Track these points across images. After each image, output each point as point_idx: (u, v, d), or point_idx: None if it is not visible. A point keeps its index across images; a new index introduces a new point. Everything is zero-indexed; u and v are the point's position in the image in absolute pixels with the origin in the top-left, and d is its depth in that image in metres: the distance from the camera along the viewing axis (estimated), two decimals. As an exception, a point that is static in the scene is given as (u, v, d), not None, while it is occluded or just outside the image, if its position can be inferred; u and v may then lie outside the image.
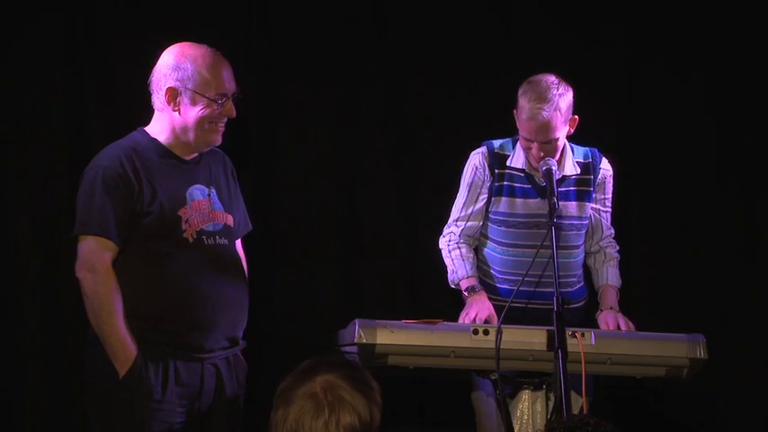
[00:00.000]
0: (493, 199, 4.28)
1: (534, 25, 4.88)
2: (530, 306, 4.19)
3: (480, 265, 4.35)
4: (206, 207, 3.84)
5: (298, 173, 4.80)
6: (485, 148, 4.31)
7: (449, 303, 4.42)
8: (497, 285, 4.30)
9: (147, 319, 3.71)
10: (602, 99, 4.88)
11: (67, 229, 3.92)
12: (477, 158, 4.31)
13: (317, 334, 4.61)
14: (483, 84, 4.83)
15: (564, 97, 4.13)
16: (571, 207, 4.27)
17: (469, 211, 4.32)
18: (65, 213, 4.27)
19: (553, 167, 4.09)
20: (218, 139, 3.87)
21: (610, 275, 4.37)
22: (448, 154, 4.56)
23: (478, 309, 4.15)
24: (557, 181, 4.08)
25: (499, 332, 3.90)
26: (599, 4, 4.93)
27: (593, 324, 4.25)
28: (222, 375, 3.82)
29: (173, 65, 3.79)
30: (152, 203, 3.73)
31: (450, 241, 4.35)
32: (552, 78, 4.15)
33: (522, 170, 4.26)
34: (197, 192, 3.84)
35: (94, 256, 3.69)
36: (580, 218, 4.29)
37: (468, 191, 4.32)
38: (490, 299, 4.22)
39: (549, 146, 4.13)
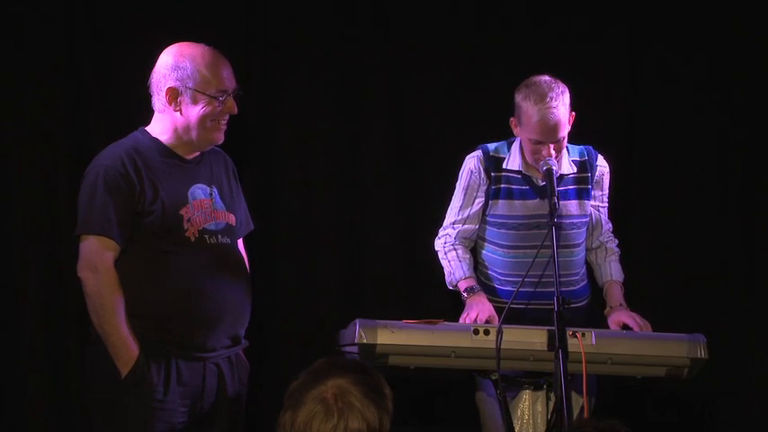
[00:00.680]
0: (491, 202, 4.28)
1: (534, 25, 4.88)
2: (530, 306, 4.19)
3: (480, 268, 4.35)
4: (208, 206, 3.83)
5: (298, 172, 4.80)
6: (480, 151, 4.31)
7: (449, 303, 4.42)
8: (499, 287, 4.29)
9: (150, 318, 3.70)
10: (603, 99, 4.89)
11: (68, 229, 3.92)
12: (472, 162, 4.30)
13: (317, 334, 4.61)
14: (484, 84, 4.83)
15: (565, 94, 4.16)
16: (571, 206, 4.27)
17: (465, 214, 4.31)
18: (66, 213, 4.27)
19: (553, 167, 4.09)
20: (221, 137, 3.86)
21: (613, 270, 4.38)
22: (448, 154, 4.55)
23: (479, 309, 4.15)
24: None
25: (500, 332, 3.90)
26: (599, 4, 4.93)
27: (597, 321, 4.25)
28: (224, 375, 3.81)
29: (172, 65, 3.78)
30: (154, 203, 3.72)
31: (446, 243, 4.35)
32: (547, 78, 4.17)
33: (518, 172, 4.25)
34: (199, 191, 3.83)
35: (96, 256, 3.68)
36: (581, 216, 4.29)
37: (465, 194, 4.31)
38: (492, 301, 4.22)
39: (559, 144, 4.15)
